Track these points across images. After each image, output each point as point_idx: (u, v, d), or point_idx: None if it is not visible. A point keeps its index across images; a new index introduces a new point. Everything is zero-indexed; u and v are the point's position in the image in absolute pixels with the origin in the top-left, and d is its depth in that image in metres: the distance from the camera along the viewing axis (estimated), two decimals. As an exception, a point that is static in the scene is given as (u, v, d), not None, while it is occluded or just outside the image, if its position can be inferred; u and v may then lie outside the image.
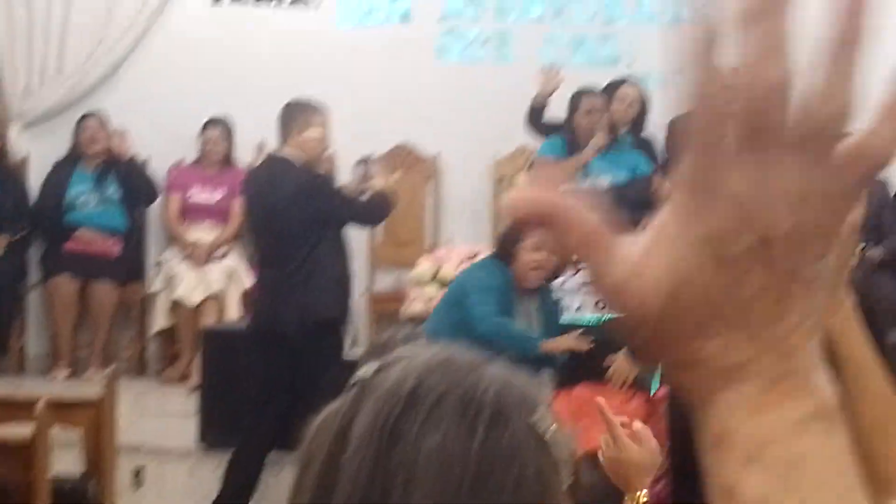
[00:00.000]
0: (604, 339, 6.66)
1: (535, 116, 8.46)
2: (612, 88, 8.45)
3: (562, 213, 0.71)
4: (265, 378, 6.73)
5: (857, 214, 1.93)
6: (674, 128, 8.13)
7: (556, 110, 8.40)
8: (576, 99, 8.32)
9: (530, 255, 6.40)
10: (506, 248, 6.57)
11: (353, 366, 5.28)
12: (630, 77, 8.63)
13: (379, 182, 7.20)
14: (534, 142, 8.61)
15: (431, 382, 1.32)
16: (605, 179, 8.04)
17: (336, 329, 6.84)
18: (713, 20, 0.67)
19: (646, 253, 0.70)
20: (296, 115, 6.89)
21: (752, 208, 0.67)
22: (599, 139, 8.05)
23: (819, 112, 0.67)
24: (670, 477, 2.01)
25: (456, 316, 6.40)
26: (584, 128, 8.20)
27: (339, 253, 6.92)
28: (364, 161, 7.47)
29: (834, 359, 2.13)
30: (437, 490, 1.29)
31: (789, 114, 0.67)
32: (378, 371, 1.36)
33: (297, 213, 6.63)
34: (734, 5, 0.66)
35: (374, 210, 7.12)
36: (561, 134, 8.29)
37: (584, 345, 6.47)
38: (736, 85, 0.67)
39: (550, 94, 8.41)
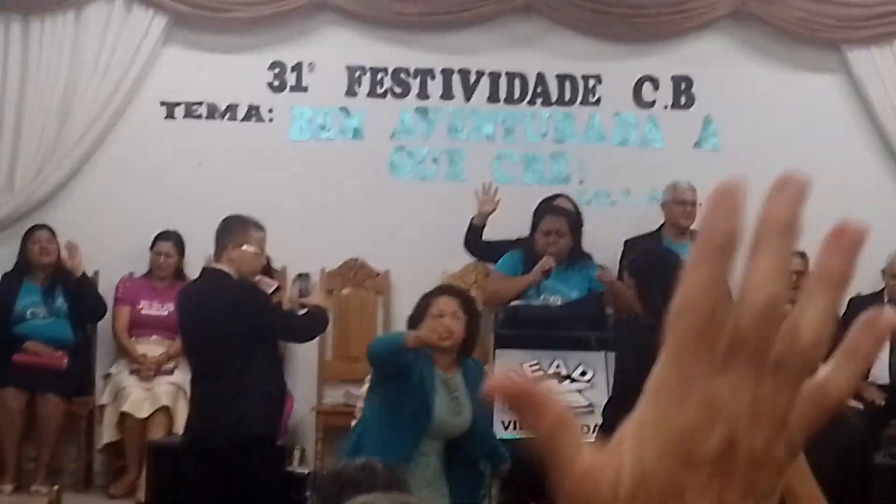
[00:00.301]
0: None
1: (473, 237, 8.50)
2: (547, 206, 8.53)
3: (536, 398, 0.74)
4: (200, 495, 6.65)
5: None
6: (630, 249, 8.20)
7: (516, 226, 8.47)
8: (538, 216, 8.38)
9: (431, 322, 6.20)
10: (411, 325, 6.38)
11: (299, 480, 5.31)
12: (561, 197, 8.70)
13: (315, 298, 7.23)
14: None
15: None
16: (556, 298, 8.07)
17: (268, 445, 6.78)
18: (732, 233, 0.71)
19: (616, 443, 0.75)
20: (233, 229, 6.90)
21: (727, 413, 0.71)
22: (546, 263, 8.05)
23: (801, 342, 0.71)
24: None
25: (380, 391, 6.26)
26: (541, 247, 8.25)
27: (272, 367, 6.91)
28: (301, 276, 7.50)
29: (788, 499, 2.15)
30: None
31: (777, 337, 0.71)
32: None
33: (229, 327, 6.60)
34: (753, 222, 0.71)
35: (307, 325, 7.11)
36: (520, 249, 8.34)
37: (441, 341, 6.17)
38: (739, 301, 0.71)
39: (488, 215, 8.47)
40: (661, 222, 8.74)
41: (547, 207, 8.50)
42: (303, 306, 7.08)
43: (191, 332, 6.98)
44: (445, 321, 6.16)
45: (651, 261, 6.53)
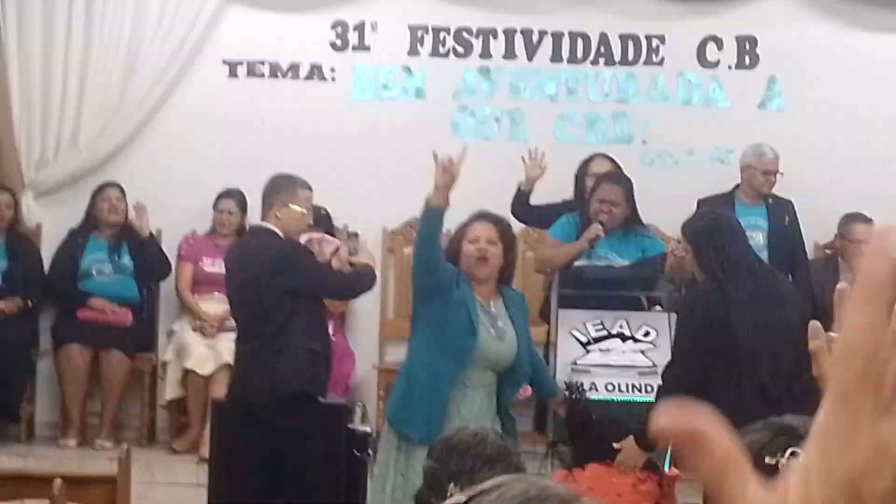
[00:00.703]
0: (615, 420, 6.67)
1: (520, 203, 8.44)
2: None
3: (703, 437, 0.76)
4: (251, 452, 6.69)
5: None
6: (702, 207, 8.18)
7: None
8: (596, 182, 8.32)
9: (468, 246, 6.12)
10: (449, 259, 6.21)
11: (360, 438, 5.34)
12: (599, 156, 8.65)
13: (363, 257, 7.25)
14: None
15: None
16: (613, 261, 8.02)
17: (312, 401, 6.81)
18: (891, 274, 0.72)
19: (783, 485, 0.75)
20: (280, 187, 6.95)
21: (895, 454, 0.71)
22: (593, 230, 7.93)
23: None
24: None
25: (423, 320, 6.15)
26: (595, 213, 8.20)
27: (316, 325, 6.94)
28: (350, 236, 7.52)
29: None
30: None
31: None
32: (469, 501, 1.35)
33: (273, 284, 6.65)
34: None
35: (352, 283, 7.14)
36: (576, 213, 8.29)
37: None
38: None
39: (535, 181, 8.42)
40: (736, 184, 8.65)
41: (605, 175, 8.42)
42: (350, 265, 7.11)
43: (236, 289, 7.04)
44: (481, 245, 6.08)
45: (707, 224, 6.49)
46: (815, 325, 2.14)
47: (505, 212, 8.68)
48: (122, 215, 8.88)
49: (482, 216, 6.30)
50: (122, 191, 8.93)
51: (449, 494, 3.15)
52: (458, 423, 5.78)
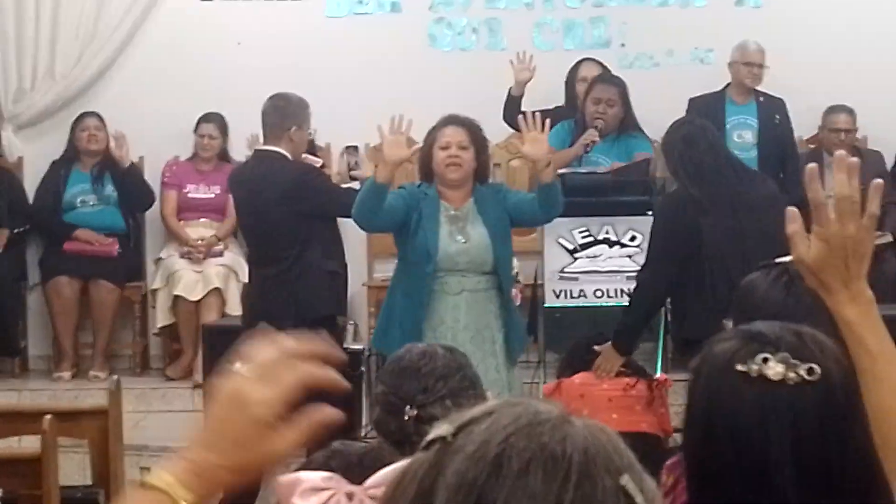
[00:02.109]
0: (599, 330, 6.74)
1: (512, 108, 8.39)
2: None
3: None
4: None
5: (876, 207, 2.15)
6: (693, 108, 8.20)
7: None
8: (590, 84, 8.31)
9: (440, 153, 6.19)
10: (421, 166, 6.42)
11: (353, 356, 5.36)
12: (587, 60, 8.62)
13: (366, 171, 7.18)
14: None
15: (517, 446, 1.29)
16: (604, 164, 8.00)
17: (333, 325, 6.80)
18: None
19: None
20: (295, 109, 6.85)
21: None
22: (589, 135, 7.94)
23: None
24: (687, 480, 1.98)
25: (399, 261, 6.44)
26: (590, 116, 8.18)
27: (334, 246, 6.89)
28: (349, 149, 7.43)
29: (853, 346, 2.14)
30: None
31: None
32: (458, 431, 1.33)
33: (292, 209, 6.60)
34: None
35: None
36: (571, 119, 8.27)
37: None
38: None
39: (525, 84, 8.37)
40: (728, 82, 8.62)
41: (598, 77, 8.40)
42: (353, 179, 7.04)
43: (250, 215, 6.95)
44: (452, 151, 6.14)
45: (675, 134, 6.54)
46: (792, 210, 2.16)
47: (484, 123, 8.65)
48: (103, 144, 8.83)
49: (451, 120, 6.32)
50: (102, 120, 8.87)
51: (406, 418, 3.13)
52: (447, 331, 5.99)
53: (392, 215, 6.12)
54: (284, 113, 6.85)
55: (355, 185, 7.05)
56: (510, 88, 8.36)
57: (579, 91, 8.47)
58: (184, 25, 9.12)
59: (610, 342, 6.51)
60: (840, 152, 2.22)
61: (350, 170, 7.19)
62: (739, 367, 2.05)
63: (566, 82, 8.62)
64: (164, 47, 9.11)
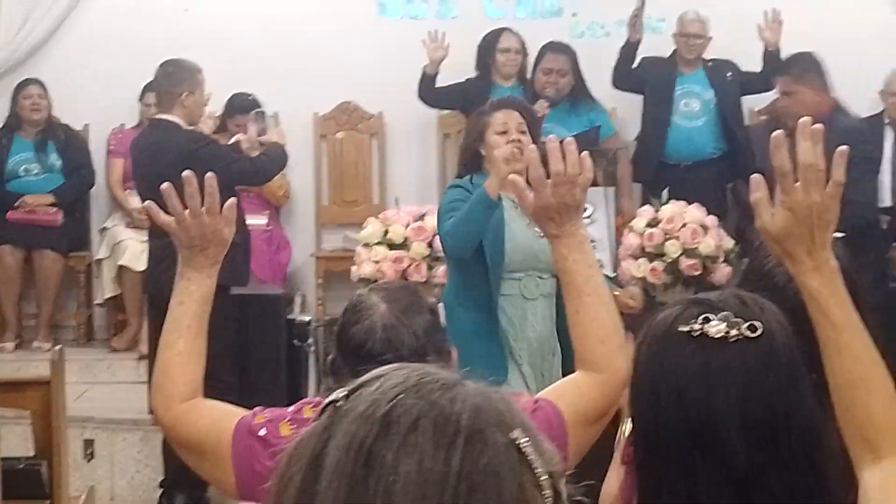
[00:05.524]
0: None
1: (426, 86, 8.32)
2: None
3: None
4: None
5: (841, 175, 2.14)
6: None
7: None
8: (540, 53, 8.25)
9: (497, 138, 5.31)
10: (467, 156, 5.55)
11: (301, 327, 5.33)
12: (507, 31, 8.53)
13: (272, 136, 7.09)
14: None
15: (406, 405, 1.29)
16: (557, 134, 7.93)
17: (226, 295, 6.62)
18: None
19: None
20: (183, 75, 6.79)
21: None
22: (539, 107, 7.81)
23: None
24: (634, 444, 1.95)
25: (453, 270, 5.57)
26: (541, 86, 8.13)
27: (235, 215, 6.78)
28: (257, 114, 7.32)
29: (816, 317, 2.13)
30: None
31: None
32: (350, 394, 1.33)
33: (180, 179, 6.49)
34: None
35: (263, 166, 7.00)
36: (519, 88, 8.21)
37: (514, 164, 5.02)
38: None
39: (440, 62, 8.28)
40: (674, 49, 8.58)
41: (548, 45, 8.34)
42: (261, 145, 6.97)
43: (145, 186, 6.85)
44: (513, 136, 5.32)
45: None
46: (756, 177, 2.15)
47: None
48: (46, 112, 8.71)
49: (504, 104, 5.57)
50: (44, 87, 8.74)
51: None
52: (526, 343, 5.35)
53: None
54: (175, 79, 6.79)
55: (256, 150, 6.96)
56: (424, 67, 8.28)
57: (499, 60, 8.37)
58: (129, -8, 8.99)
59: None
60: (805, 119, 2.19)
61: (259, 135, 7.07)
62: (681, 328, 2.10)
63: (480, 49, 8.49)
64: (110, 12, 8.98)
